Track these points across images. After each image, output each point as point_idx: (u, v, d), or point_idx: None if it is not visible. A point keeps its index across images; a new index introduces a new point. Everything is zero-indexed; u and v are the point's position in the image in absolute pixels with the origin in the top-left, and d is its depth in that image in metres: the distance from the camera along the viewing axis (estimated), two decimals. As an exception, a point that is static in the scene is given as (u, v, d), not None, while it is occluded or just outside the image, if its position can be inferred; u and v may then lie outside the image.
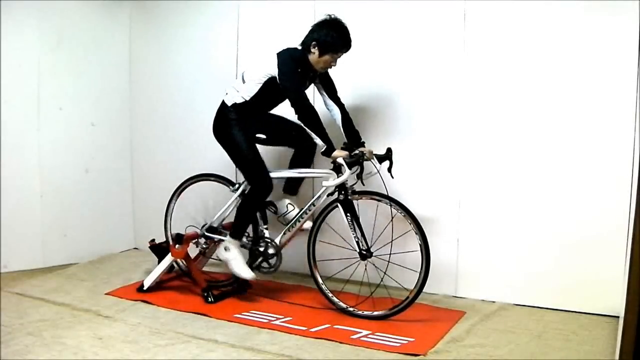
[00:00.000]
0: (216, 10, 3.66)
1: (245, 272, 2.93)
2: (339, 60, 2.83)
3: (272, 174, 2.93)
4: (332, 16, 2.78)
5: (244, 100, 2.89)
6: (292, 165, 3.07)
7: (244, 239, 3.05)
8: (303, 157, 3.05)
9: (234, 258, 2.94)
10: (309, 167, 3.08)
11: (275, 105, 2.97)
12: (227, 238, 2.99)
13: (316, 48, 2.76)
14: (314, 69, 2.83)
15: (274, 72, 2.78)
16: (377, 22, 3.18)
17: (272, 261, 2.97)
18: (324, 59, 2.77)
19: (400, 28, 3.13)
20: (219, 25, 3.65)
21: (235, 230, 2.99)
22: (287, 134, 3.01)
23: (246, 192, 3.00)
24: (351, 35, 2.77)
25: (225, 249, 2.97)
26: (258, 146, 2.98)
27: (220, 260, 3.05)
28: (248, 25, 3.56)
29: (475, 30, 2.95)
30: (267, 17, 3.48)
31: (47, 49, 3.54)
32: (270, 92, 2.85)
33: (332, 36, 2.73)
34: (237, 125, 2.91)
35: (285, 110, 2.87)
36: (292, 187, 3.12)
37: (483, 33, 2.94)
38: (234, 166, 3.14)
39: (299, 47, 2.81)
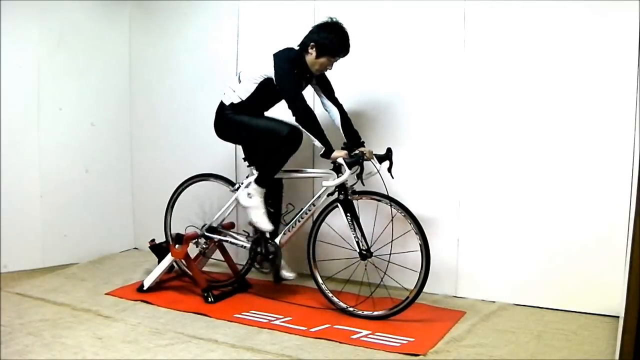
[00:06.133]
0: (216, 10, 3.66)
1: (264, 223, 2.88)
2: (339, 62, 2.82)
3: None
4: (334, 19, 2.77)
5: (240, 100, 2.88)
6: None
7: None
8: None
9: (255, 206, 2.88)
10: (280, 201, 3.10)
11: (271, 105, 2.97)
12: (252, 185, 2.91)
13: (314, 49, 2.74)
14: (310, 69, 2.82)
15: (270, 72, 2.77)
16: (377, 23, 3.17)
17: (272, 261, 2.96)
18: (320, 61, 2.76)
19: (401, 28, 3.13)
20: (219, 25, 3.64)
21: (262, 177, 2.89)
22: None
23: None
24: (350, 38, 2.75)
25: (249, 195, 2.89)
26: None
27: (241, 205, 2.95)
28: (248, 25, 3.56)
29: (475, 30, 2.95)
30: (267, 17, 3.48)
31: (47, 49, 3.54)
32: (265, 92, 2.84)
33: (331, 39, 2.72)
34: (236, 115, 2.89)
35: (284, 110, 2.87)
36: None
37: (483, 33, 2.94)
38: (234, 166, 3.13)
39: (296, 48, 2.81)
